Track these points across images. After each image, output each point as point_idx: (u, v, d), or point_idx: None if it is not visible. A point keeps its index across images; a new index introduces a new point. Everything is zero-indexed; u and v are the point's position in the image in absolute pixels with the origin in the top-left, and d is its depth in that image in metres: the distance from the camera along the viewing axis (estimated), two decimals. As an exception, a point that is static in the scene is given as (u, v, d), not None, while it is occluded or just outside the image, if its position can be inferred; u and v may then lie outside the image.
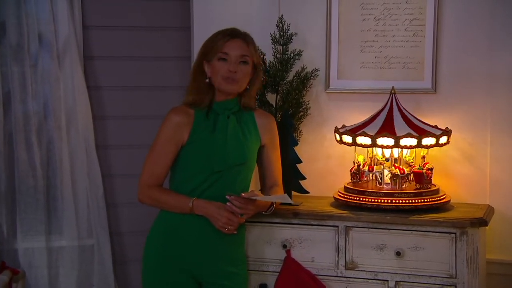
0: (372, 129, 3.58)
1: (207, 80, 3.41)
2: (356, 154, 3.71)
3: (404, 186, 3.60)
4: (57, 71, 4.31)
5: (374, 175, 3.65)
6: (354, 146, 3.66)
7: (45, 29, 4.30)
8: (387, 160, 3.65)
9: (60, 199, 4.40)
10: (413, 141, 3.53)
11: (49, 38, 4.31)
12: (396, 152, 3.64)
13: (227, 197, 3.34)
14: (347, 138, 3.63)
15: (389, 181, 3.60)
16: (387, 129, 3.56)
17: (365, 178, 3.70)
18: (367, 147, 3.61)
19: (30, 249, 4.34)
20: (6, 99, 4.28)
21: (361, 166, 3.69)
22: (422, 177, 3.59)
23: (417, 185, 3.60)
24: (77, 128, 4.31)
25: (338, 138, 3.69)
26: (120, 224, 4.48)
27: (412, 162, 3.67)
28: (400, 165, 3.62)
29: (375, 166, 3.65)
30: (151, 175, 3.44)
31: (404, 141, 3.52)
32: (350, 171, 3.73)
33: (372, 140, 3.54)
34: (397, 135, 3.53)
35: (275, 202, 3.50)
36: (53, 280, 4.38)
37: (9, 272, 3.43)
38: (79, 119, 4.34)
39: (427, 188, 3.60)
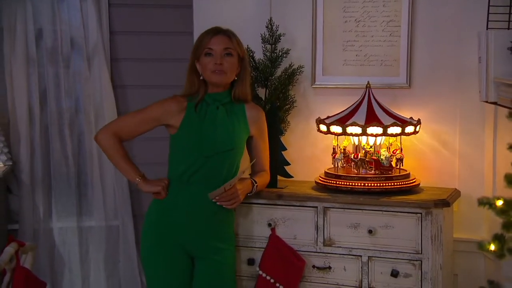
0: (359, 119, 3.74)
1: (201, 78, 3.66)
2: (337, 142, 3.90)
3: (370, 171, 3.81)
4: (87, 72, 4.65)
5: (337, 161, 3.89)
6: (336, 136, 3.85)
7: (77, 34, 4.64)
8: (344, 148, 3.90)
9: (90, 185, 4.73)
10: (398, 130, 3.72)
11: (80, 42, 4.64)
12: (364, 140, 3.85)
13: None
14: (336, 128, 3.76)
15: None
16: (374, 119, 3.72)
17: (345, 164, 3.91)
18: (357, 136, 3.76)
19: (64, 228, 4.70)
20: (42, 96, 4.65)
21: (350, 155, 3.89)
22: (379, 164, 3.80)
23: (376, 171, 3.79)
24: (104, 123, 4.47)
25: (325, 129, 3.83)
26: (142, 207, 4.75)
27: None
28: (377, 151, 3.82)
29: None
30: (120, 130, 3.67)
31: (390, 130, 3.70)
32: (333, 157, 3.91)
33: (362, 130, 3.69)
34: (384, 124, 3.71)
35: (255, 185, 3.72)
36: (83, 256, 4.72)
37: (15, 244, 3.42)
38: (106, 114, 4.66)
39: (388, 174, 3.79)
